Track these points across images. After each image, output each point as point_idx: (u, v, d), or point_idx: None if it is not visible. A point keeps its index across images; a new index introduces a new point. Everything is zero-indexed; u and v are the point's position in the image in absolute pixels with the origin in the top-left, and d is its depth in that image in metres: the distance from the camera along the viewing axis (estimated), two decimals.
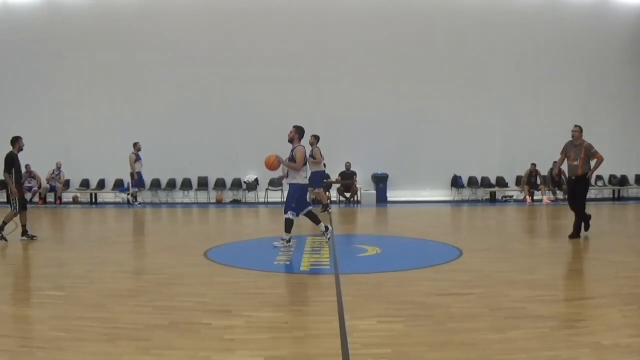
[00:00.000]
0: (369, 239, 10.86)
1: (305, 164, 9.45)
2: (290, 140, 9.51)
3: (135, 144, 17.28)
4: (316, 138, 13.78)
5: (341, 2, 18.87)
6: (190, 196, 19.49)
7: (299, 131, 9.54)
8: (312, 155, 13.39)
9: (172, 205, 18.81)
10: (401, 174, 18.68)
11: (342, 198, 18.17)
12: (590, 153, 10.08)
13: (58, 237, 11.92)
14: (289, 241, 9.33)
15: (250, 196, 19.13)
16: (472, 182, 19.34)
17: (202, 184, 19.47)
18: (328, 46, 18.76)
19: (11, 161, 10.36)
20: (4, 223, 10.18)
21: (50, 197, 19.11)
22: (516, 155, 18.88)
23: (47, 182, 18.93)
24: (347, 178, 18.10)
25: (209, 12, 18.83)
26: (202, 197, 19.43)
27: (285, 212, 9.33)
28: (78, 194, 19.57)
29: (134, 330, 4.99)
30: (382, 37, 18.70)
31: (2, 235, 10.09)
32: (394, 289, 6.52)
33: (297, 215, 9.35)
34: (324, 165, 14.59)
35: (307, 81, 18.68)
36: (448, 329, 4.93)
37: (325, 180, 18.03)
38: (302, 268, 7.77)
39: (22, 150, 10.56)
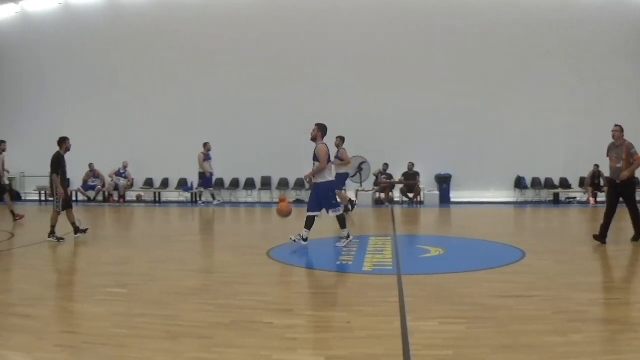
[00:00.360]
0: (431, 240, 10.70)
1: (329, 161, 9.41)
2: (313, 139, 9.49)
3: (205, 144, 17.49)
4: (342, 139, 13.71)
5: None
6: (254, 196, 19.62)
7: (321, 129, 9.50)
8: (338, 157, 13.40)
9: (236, 204, 18.99)
10: (465, 174, 18.27)
11: (405, 199, 17.93)
12: (630, 153, 9.33)
13: (121, 235, 12.17)
14: (348, 237, 9.35)
15: None
16: (535, 183, 18.79)
17: (266, 183, 19.56)
18: (390, 47, 18.55)
19: (58, 162, 10.56)
20: (52, 227, 10.35)
21: (116, 196, 19.65)
22: (580, 156, 18.11)
23: (112, 180, 19.48)
24: (410, 179, 17.88)
25: (269, 13, 18.94)
26: (265, 196, 19.52)
27: (328, 212, 9.39)
28: (142, 193, 20.06)
29: (196, 328, 4.98)
30: (445, 36, 18.32)
31: (56, 236, 10.30)
32: (456, 291, 6.40)
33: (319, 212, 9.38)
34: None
35: (371, 82, 18.49)
36: (510, 332, 4.83)
37: (388, 181, 17.80)
38: (364, 268, 7.66)
39: (69, 150, 10.75)
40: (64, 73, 20.19)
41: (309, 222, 9.38)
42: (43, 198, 19.95)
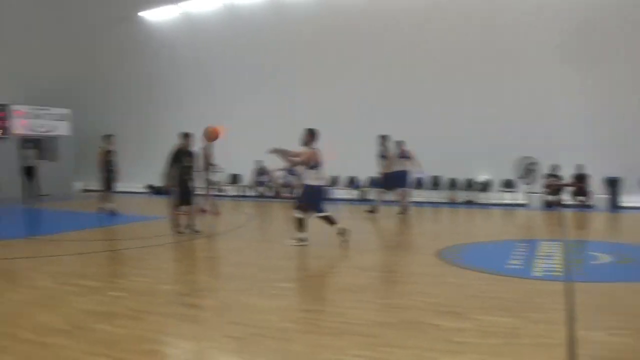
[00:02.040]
0: (602, 246, 10.00)
1: (314, 167, 9.54)
2: (305, 144, 9.64)
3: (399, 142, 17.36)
4: (385, 138, 13.67)
5: None
6: (423, 195, 19.51)
7: (310, 134, 9.65)
8: (384, 156, 13.99)
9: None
10: (636, 178, 16.55)
11: (573, 202, 16.86)
12: None
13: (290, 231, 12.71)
14: (303, 240, 9.64)
15: (483, 197, 18.60)
16: None
17: (435, 183, 19.40)
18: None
19: (174, 156, 11.11)
20: (192, 224, 11.16)
21: (285, 193, 20.57)
22: None
23: (278, 177, 20.46)
24: (580, 181, 16.76)
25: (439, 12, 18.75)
26: (435, 196, 19.34)
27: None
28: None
29: (361, 326, 5.12)
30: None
31: (196, 230, 11.10)
32: (627, 301, 6.07)
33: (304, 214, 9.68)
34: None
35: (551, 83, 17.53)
36: None
37: (557, 183, 16.77)
38: (534, 273, 7.38)
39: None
40: (227, 72, 21.60)
41: (328, 220, 9.70)
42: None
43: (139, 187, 22.66)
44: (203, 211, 14.22)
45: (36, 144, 21.02)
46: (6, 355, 4.33)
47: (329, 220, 9.81)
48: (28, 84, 23.61)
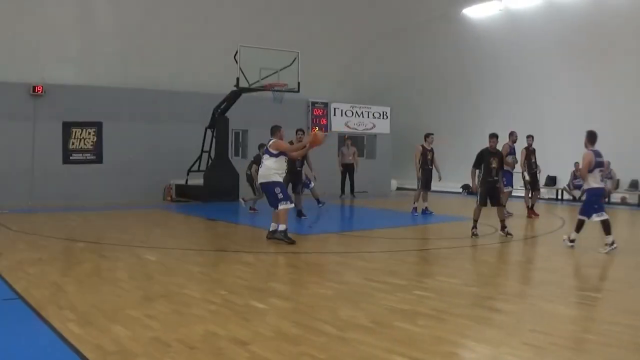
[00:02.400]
0: None
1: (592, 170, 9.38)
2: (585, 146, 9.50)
3: None
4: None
5: None
6: None
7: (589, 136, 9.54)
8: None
9: None
10: None
11: None
12: None
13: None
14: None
15: None
16: None
17: None
18: None
19: (480, 157, 11.12)
20: (502, 221, 10.98)
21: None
22: None
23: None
24: None
25: None
26: None
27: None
28: (626, 195, 19.00)
29: None
30: None
31: (507, 231, 10.86)
32: None
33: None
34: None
35: None
36: None
37: None
38: None
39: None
40: (547, 70, 20.71)
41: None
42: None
43: (455, 186, 22.89)
44: (530, 214, 13.97)
45: (354, 142, 22.82)
46: (303, 347, 4.62)
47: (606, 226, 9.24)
48: (350, 83, 25.99)
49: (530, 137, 14.84)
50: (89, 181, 17.94)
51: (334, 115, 23.56)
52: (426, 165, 14.80)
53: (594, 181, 9.47)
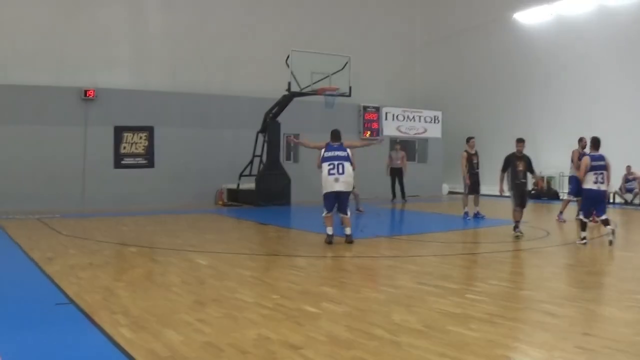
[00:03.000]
0: None
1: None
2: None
3: None
4: (522, 141, 12.05)
5: None
6: None
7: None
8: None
9: None
10: None
11: None
12: None
13: None
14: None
15: None
16: None
17: None
18: None
19: (507, 161, 11.78)
20: (516, 222, 11.53)
21: None
22: None
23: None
24: None
25: None
26: None
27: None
28: None
29: None
30: None
31: (519, 231, 11.43)
32: None
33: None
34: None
35: None
36: None
37: None
38: None
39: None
40: (596, 77, 20.29)
41: None
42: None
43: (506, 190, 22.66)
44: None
45: (405, 146, 22.67)
46: (356, 351, 4.63)
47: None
48: (401, 87, 25.89)
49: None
50: (140, 185, 18.33)
51: (386, 119, 23.58)
52: (473, 170, 14.94)
53: (588, 183, 10.68)
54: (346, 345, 4.74)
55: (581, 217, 10.85)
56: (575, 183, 13.10)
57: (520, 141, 11.90)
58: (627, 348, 4.69)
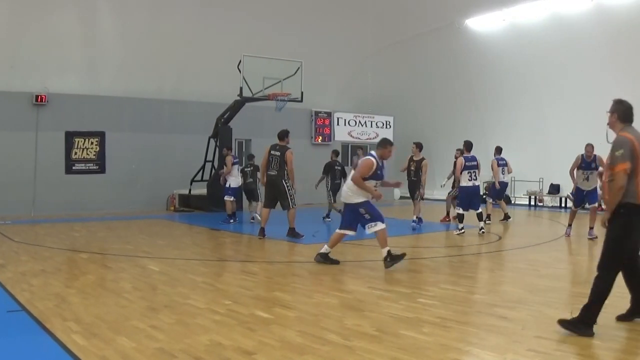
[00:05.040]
0: None
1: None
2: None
3: None
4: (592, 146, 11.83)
5: None
6: None
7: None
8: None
9: None
10: None
11: None
12: None
13: None
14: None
15: None
16: None
17: None
18: None
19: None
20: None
21: None
22: None
23: None
24: None
25: None
26: None
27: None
28: None
29: None
30: None
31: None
32: None
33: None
34: None
35: None
36: None
37: None
38: None
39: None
40: (550, 81, 20.79)
41: None
42: (532, 203, 21.05)
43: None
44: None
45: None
46: (309, 356, 4.65)
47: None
48: (353, 92, 26.06)
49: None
50: (91, 191, 18.04)
51: (337, 124, 23.72)
52: (409, 177, 14.58)
53: (464, 181, 12.71)
54: (299, 351, 4.76)
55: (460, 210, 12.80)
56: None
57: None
58: (581, 351, 4.78)
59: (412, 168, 14.45)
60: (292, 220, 11.77)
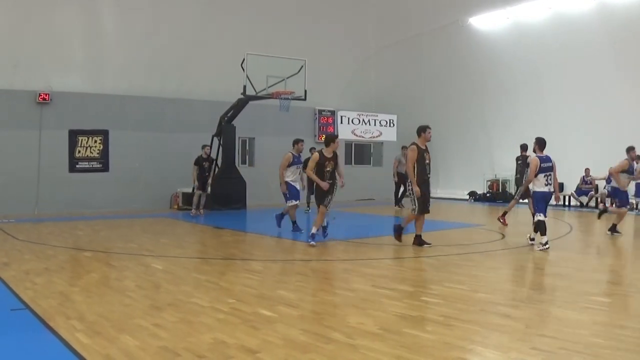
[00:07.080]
0: None
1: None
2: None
3: None
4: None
5: None
6: None
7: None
8: None
9: None
10: None
11: None
12: None
13: (613, 243, 11.77)
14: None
15: None
16: None
17: None
18: None
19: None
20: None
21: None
22: None
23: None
24: None
25: None
26: None
27: None
28: None
29: None
30: None
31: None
32: None
33: None
34: None
35: None
36: None
37: None
38: None
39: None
40: (554, 79, 20.72)
41: None
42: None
43: (462, 194, 23.23)
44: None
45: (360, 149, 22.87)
46: (312, 354, 4.65)
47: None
48: (357, 91, 26.04)
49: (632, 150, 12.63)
50: (95, 190, 18.05)
51: (341, 123, 23.71)
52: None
53: (538, 185, 10.48)
54: (302, 349, 4.77)
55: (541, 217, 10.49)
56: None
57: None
58: (584, 349, 4.76)
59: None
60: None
